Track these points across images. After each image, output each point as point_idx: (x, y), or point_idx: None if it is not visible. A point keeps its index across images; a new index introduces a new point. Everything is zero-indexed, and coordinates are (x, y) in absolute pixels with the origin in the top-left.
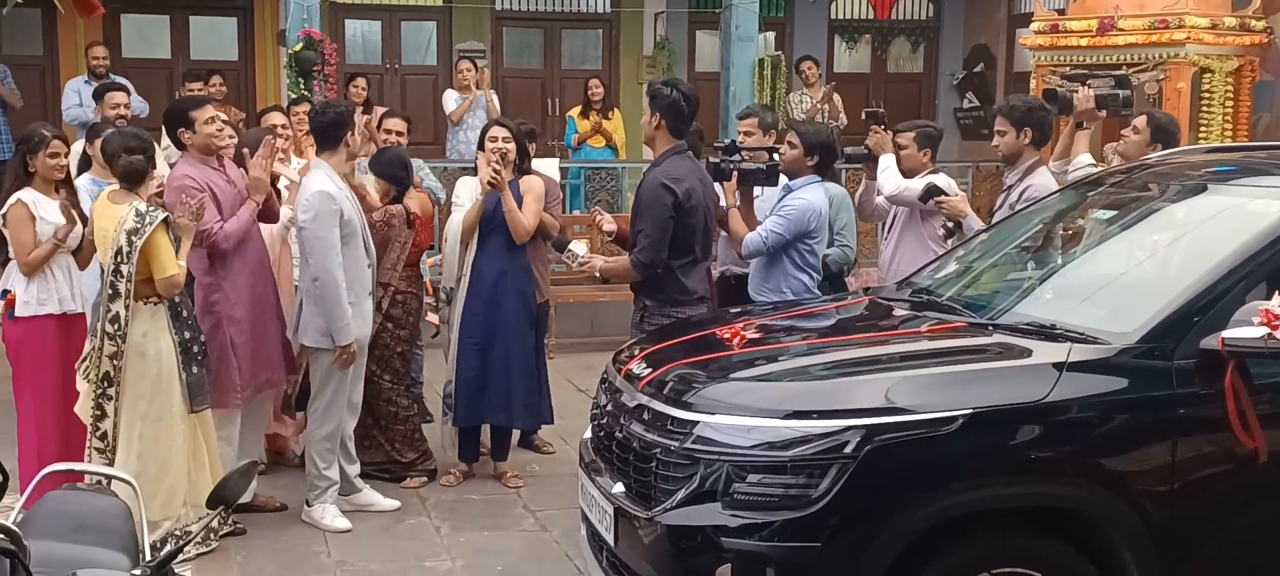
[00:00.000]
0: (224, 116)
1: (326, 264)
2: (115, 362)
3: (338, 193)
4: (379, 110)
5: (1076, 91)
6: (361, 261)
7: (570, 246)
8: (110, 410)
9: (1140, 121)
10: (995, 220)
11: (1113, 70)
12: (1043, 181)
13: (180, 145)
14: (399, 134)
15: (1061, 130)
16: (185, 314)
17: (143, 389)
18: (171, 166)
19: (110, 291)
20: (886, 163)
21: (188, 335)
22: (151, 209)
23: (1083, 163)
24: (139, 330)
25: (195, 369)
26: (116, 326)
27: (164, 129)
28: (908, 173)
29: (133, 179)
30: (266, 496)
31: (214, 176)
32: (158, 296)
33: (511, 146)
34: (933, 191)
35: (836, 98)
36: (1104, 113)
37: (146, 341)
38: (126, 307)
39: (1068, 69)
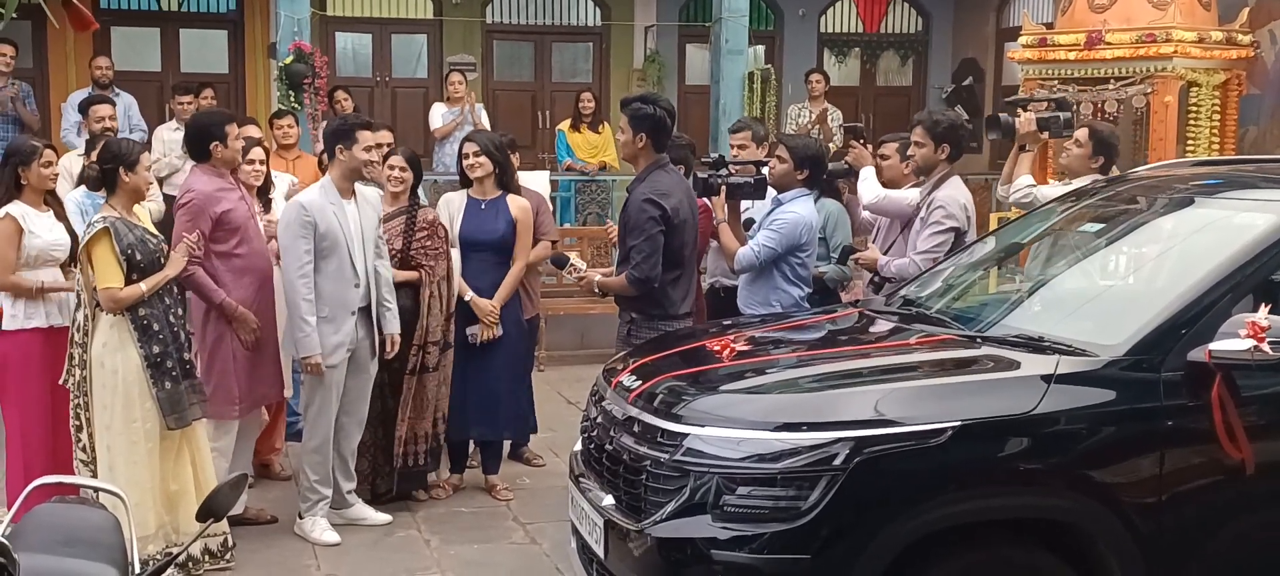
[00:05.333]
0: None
1: (288, 273)
2: (83, 372)
3: (317, 205)
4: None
5: (1017, 116)
6: (343, 279)
7: (570, 261)
8: (85, 420)
9: (1082, 134)
10: (913, 233)
11: (1062, 90)
12: (951, 192)
13: (206, 156)
14: (386, 144)
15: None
16: (156, 327)
17: (107, 401)
18: (163, 178)
19: (77, 298)
20: (866, 175)
21: (158, 350)
22: (102, 217)
23: (1021, 185)
24: (99, 341)
25: (169, 384)
26: (83, 336)
27: (184, 141)
28: (889, 183)
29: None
30: (257, 509)
31: (231, 193)
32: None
33: (483, 157)
34: (848, 252)
35: (832, 119)
36: (1046, 135)
37: (107, 353)
38: (86, 316)
39: (1056, 83)
